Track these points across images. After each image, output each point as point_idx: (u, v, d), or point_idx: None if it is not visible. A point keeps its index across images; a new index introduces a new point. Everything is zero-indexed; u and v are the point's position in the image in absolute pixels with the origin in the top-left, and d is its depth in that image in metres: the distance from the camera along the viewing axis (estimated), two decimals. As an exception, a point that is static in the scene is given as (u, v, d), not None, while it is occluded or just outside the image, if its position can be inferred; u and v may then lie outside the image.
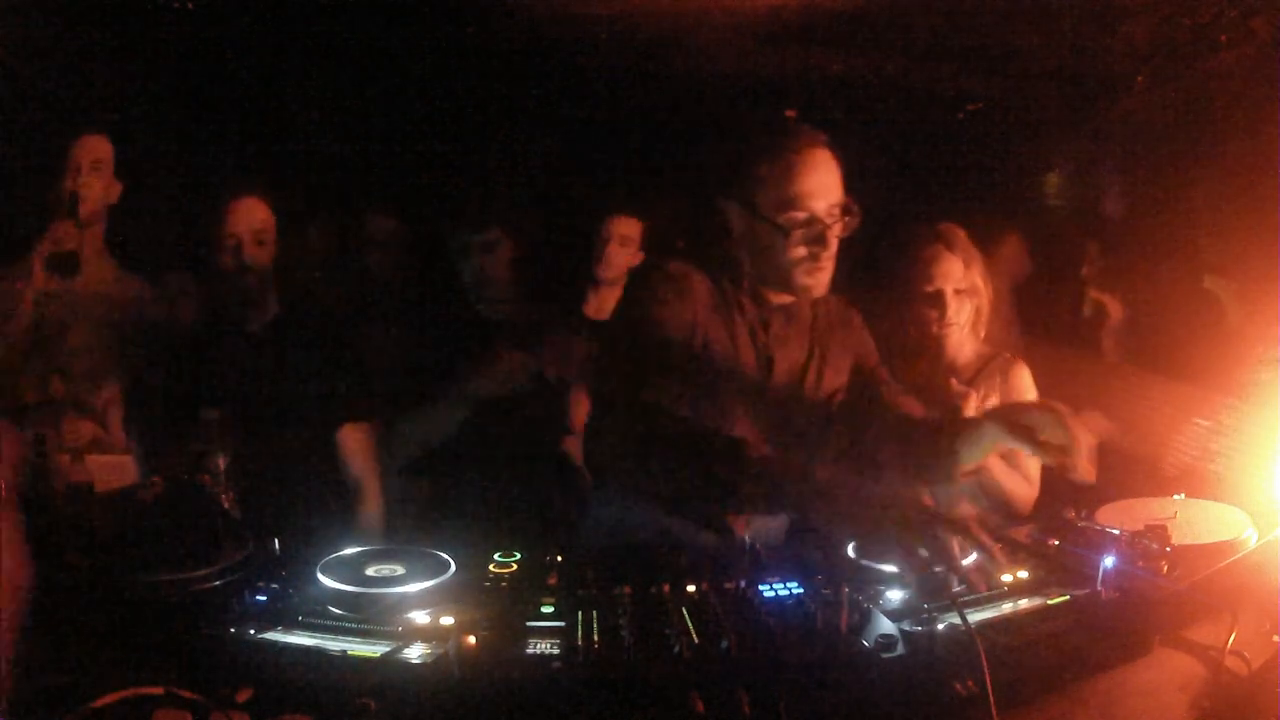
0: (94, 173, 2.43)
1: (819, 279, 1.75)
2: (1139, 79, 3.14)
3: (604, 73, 3.19)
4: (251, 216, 2.34)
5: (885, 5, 2.77)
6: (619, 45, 3.00)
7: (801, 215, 1.70)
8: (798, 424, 1.86)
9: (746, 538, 1.40)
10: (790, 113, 3.31)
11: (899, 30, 2.93)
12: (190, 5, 2.65)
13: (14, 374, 2.40)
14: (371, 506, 2.39)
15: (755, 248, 1.77)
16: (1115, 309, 3.53)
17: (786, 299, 1.85)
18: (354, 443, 2.39)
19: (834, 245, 1.74)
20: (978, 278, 2.39)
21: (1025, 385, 2.36)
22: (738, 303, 1.81)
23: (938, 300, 2.32)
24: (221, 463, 1.89)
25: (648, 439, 1.53)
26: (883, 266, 2.42)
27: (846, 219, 1.73)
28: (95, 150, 2.45)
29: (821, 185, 1.70)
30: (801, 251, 1.71)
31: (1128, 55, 3.00)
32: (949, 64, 3.13)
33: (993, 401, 2.31)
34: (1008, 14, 2.80)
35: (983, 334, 2.46)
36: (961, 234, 2.39)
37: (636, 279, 1.85)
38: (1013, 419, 1.54)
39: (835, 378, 1.91)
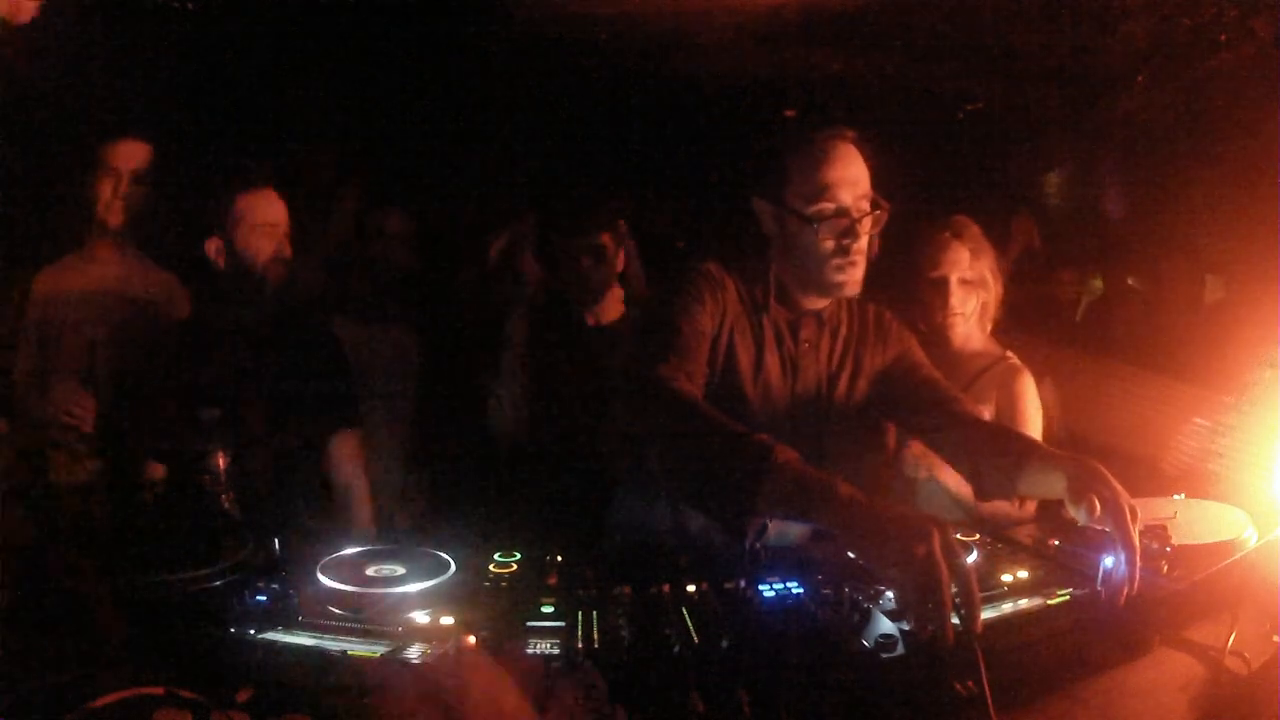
0: (105, 176, 2.45)
1: (851, 275, 1.75)
2: (1139, 79, 3.14)
3: (604, 73, 3.19)
4: (268, 208, 2.31)
5: (885, 5, 2.78)
6: (619, 45, 3.00)
7: (830, 206, 1.71)
8: (825, 435, 1.86)
9: (759, 543, 1.39)
10: (790, 112, 3.31)
11: (899, 30, 2.93)
12: (190, 5, 2.66)
13: (20, 371, 2.42)
14: (362, 514, 2.37)
15: (786, 246, 1.78)
16: (1115, 309, 3.53)
17: (819, 303, 1.85)
18: (343, 450, 2.37)
19: (864, 239, 1.75)
20: (986, 271, 2.36)
21: (1027, 395, 2.33)
22: (766, 307, 1.82)
23: (942, 287, 2.31)
24: (221, 463, 1.89)
25: (659, 416, 1.51)
26: (893, 258, 2.42)
27: (875, 213, 1.74)
28: (109, 154, 2.47)
29: (848, 176, 1.72)
30: (830, 245, 1.72)
31: (1128, 55, 3.00)
32: (949, 64, 3.13)
33: (990, 406, 2.30)
34: (1008, 14, 2.81)
35: (989, 329, 2.44)
36: (974, 226, 2.37)
37: (674, 275, 1.85)
38: (1086, 487, 1.39)
39: (872, 386, 1.90)
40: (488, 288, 2.89)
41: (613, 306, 2.76)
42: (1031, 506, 1.99)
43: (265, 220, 2.28)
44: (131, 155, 2.49)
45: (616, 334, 2.70)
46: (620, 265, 2.76)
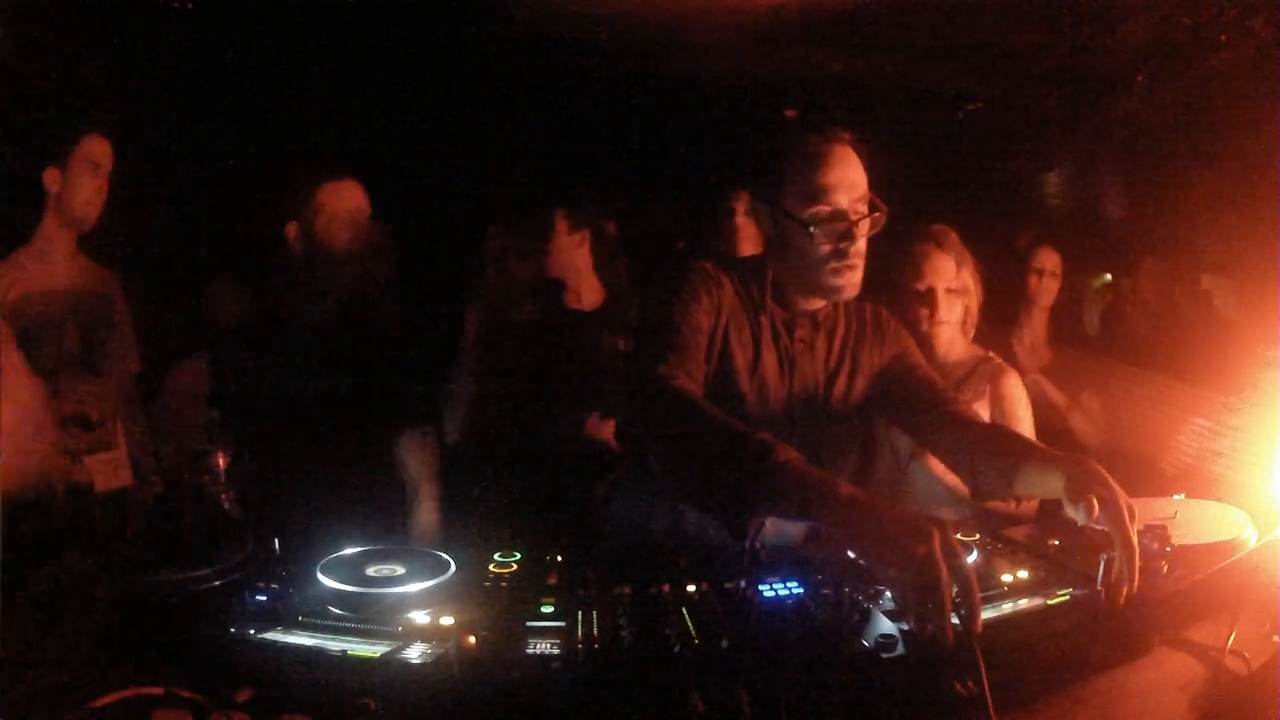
0: (88, 172, 2.43)
1: (849, 278, 1.74)
2: (1139, 79, 3.14)
3: (604, 73, 3.19)
4: (349, 197, 2.31)
5: (885, 5, 2.78)
6: (619, 45, 3.00)
7: (826, 209, 1.70)
8: (824, 434, 1.86)
9: (758, 542, 1.39)
10: (790, 113, 3.32)
11: (899, 30, 2.93)
12: (190, 5, 2.66)
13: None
14: (430, 506, 2.39)
15: (782, 247, 1.77)
16: (1115, 308, 3.54)
17: (816, 304, 1.84)
18: (414, 443, 2.38)
19: (861, 242, 1.73)
20: (969, 278, 2.39)
21: (1015, 394, 2.35)
22: (764, 305, 1.81)
23: (929, 298, 2.32)
24: (221, 463, 1.88)
25: (660, 415, 1.51)
26: (876, 266, 2.42)
27: (873, 215, 1.73)
28: (90, 150, 2.45)
29: (845, 179, 1.71)
30: (828, 248, 1.71)
31: (1128, 55, 3.01)
32: (949, 64, 3.14)
33: (980, 407, 2.30)
34: (1008, 14, 2.81)
35: (971, 334, 2.46)
36: (954, 235, 2.39)
37: (671, 274, 1.84)
38: (1084, 487, 1.37)
39: (870, 386, 1.90)
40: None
41: (587, 294, 2.76)
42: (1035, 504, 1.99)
43: (345, 208, 2.29)
44: (103, 154, 2.45)
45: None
46: (585, 250, 2.73)
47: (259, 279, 2.51)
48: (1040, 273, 3.13)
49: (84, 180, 2.40)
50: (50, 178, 2.39)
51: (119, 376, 2.43)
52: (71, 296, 2.43)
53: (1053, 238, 3.23)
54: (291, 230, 2.26)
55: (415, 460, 2.38)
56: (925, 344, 2.36)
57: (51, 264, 2.45)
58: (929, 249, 2.35)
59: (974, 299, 2.42)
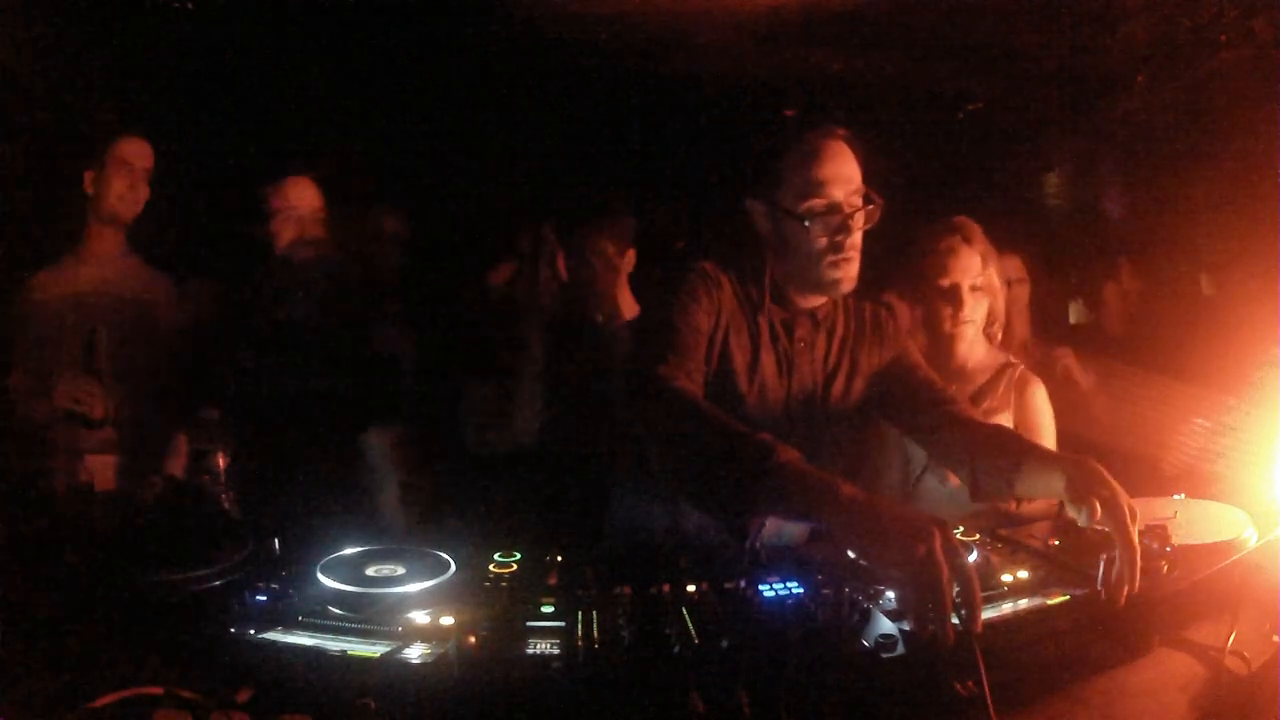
0: (122, 173, 2.45)
1: (846, 271, 1.74)
2: (1139, 79, 3.14)
3: (604, 73, 3.19)
4: (290, 196, 2.33)
5: (885, 5, 2.77)
6: (619, 45, 3.00)
7: (821, 203, 1.71)
8: (823, 433, 1.86)
9: (760, 542, 1.39)
10: (790, 113, 3.31)
11: (899, 30, 2.93)
12: (190, 5, 2.66)
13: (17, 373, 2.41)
14: (392, 506, 2.40)
15: (780, 244, 1.78)
16: (1115, 309, 3.53)
17: (815, 301, 1.85)
18: (381, 446, 2.39)
19: (857, 235, 1.74)
20: (994, 275, 2.29)
21: (1040, 403, 2.27)
22: (762, 305, 1.82)
23: (953, 296, 2.22)
24: (221, 463, 1.89)
25: (660, 416, 1.52)
26: (892, 263, 2.35)
27: (868, 208, 1.74)
28: (121, 151, 2.47)
29: (839, 173, 1.72)
30: (824, 242, 1.72)
31: (1128, 55, 3.01)
32: (949, 64, 3.13)
33: (1005, 416, 2.26)
34: (1008, 14, 2.80)
35: (999, 337, 2.39)
36: (978, 229, 2.28)
37: (670, 275, 1.84)
38: (1086, 488, 1.38)
39: (869, 386, 1.90)
40: (509, 295, 2.90)
41: (624, 306, 2.76)
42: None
43: (286, 206, 2.32)
44: (136, 154, 2.49)
45: (624, 334, 2.71)
46: (630, 265, 2.76)
47: (239, 278, 2.52)
48: (1007, 282, 3.10)
49: (116, 180, 2.43)
50: (89, 180, 2.42)
51: (151, 381, 2.43)
52: (95, 300, 2.44)
53: (1011, 244, 3.21)
54: (255, 232, 2.29)
55: (382, 463, 2.39)
56: (947, 345, 2.27)
57: (93, 267, 2.47)
58: (954, 243, 2.23)
59: (999, 298, 2.32)
